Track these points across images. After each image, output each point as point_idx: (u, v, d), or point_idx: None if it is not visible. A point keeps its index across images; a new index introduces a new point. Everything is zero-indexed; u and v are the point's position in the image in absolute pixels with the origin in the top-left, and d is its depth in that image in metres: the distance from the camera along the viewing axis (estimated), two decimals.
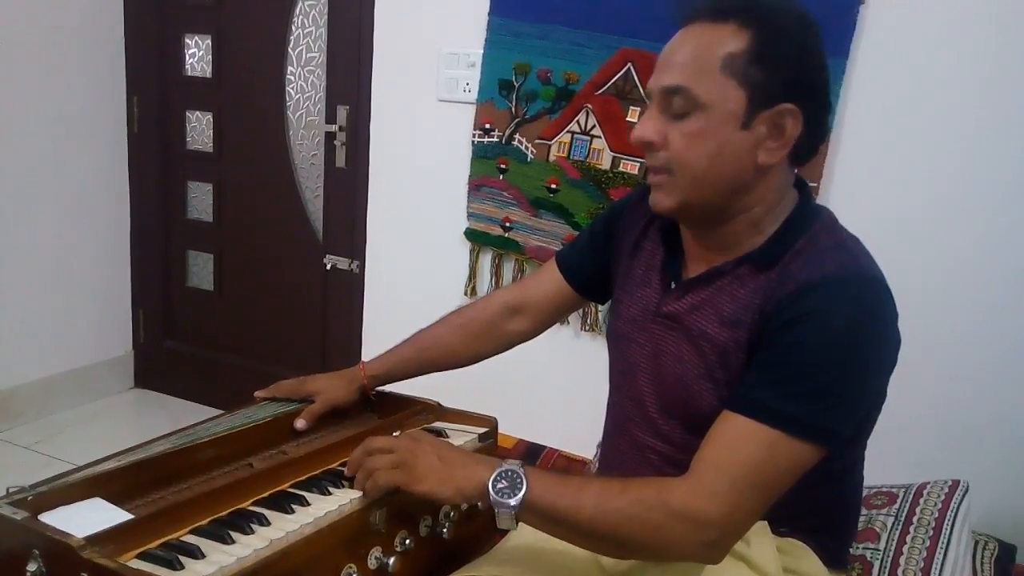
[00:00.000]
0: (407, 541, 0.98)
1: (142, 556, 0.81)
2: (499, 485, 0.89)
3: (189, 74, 2.73)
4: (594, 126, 2.07)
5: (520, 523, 0.90)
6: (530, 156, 2.16)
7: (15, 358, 2.60)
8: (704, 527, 0.85)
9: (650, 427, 1.03)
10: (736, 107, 0.90)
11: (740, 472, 0.86)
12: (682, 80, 0.91)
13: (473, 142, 2.23)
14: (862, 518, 1.28)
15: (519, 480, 0.88)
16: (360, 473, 0.97)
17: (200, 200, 2.83)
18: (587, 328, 2.19)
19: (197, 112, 2.75)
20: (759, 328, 0.91)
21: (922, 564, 1.19)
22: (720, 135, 0.91)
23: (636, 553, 0.92)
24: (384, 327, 2.42)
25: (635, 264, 1.10)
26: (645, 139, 0.95)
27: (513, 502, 0.87)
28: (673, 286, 1.03)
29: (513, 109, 2.15)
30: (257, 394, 1.25)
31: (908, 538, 1.25)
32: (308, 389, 1.23)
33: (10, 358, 2.58)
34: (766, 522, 0.97)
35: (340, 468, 1.04)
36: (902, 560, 1.21)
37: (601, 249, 1.18)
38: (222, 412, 1.18)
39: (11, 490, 0.87)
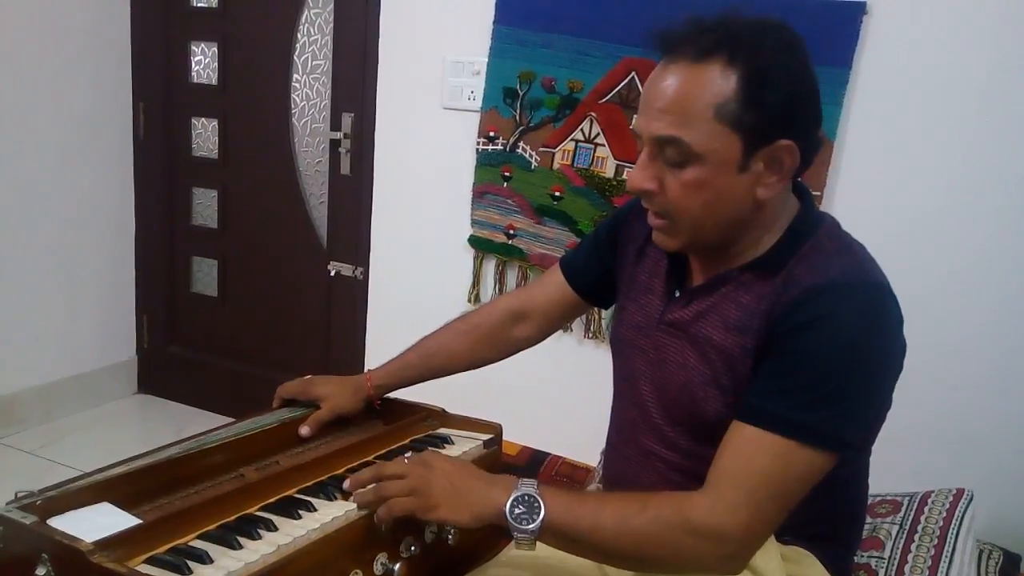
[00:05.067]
0: (412, 547, 0.98)
1: (150, 561, 0.81)
2: (516, 511, 0.88)
3: (195, 81, 2.74)
4: (598, 134, 2.07)
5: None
6: (534, 164, 2.17)
7: (19, 363, 2.61)
8: (724, 542, 0.86)
9: (655, 434, 1.03)
10: (732, 153, 0.88)
11: (757, 484, 0.86)
12: (675, 131, 0.87)
13: (477, 150, 2.24)
14: (867, 526, 1.28)
15: (537, 504, 0.88)
16: (371, 495, 0.95)
17: (205, 206, 2.84)
18: (591, 335, 2.19)
19: (203, 119, 2.77)
20: (766, 333, 0.91)
21: (927, 573, 1.19)
22: (718, 183, 0.89)
23: (657, 570, 0.92)
24: (387, 333, 2.43)
25: (639, 271, 1.10)
26: (641, 189, 0.93)
27: (532, 527, 0.87)
28: (677, 294, 1.04)
29: (517, 117, 2.16)
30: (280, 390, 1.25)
31: (913, 547, 1.24)
32: (315, 393, 1.23)
33: (14, 363, 2.59)
34: None
35: (346, 474, 1.04)
36: (907, 569, 1.20)
37: (605, 254, 1.18)
38: (232, 420, 1.18)
39: (20, 495, 0.87)
